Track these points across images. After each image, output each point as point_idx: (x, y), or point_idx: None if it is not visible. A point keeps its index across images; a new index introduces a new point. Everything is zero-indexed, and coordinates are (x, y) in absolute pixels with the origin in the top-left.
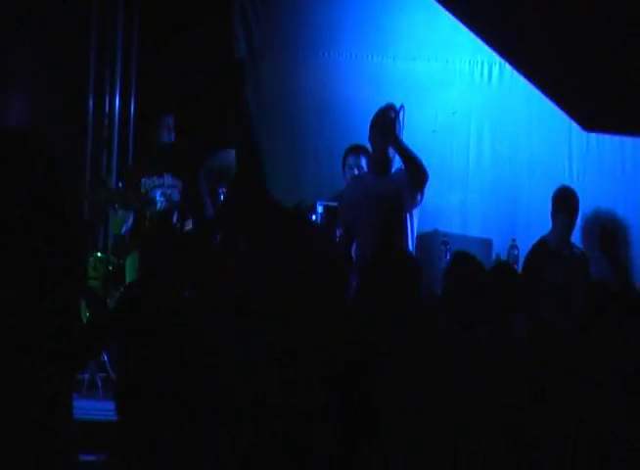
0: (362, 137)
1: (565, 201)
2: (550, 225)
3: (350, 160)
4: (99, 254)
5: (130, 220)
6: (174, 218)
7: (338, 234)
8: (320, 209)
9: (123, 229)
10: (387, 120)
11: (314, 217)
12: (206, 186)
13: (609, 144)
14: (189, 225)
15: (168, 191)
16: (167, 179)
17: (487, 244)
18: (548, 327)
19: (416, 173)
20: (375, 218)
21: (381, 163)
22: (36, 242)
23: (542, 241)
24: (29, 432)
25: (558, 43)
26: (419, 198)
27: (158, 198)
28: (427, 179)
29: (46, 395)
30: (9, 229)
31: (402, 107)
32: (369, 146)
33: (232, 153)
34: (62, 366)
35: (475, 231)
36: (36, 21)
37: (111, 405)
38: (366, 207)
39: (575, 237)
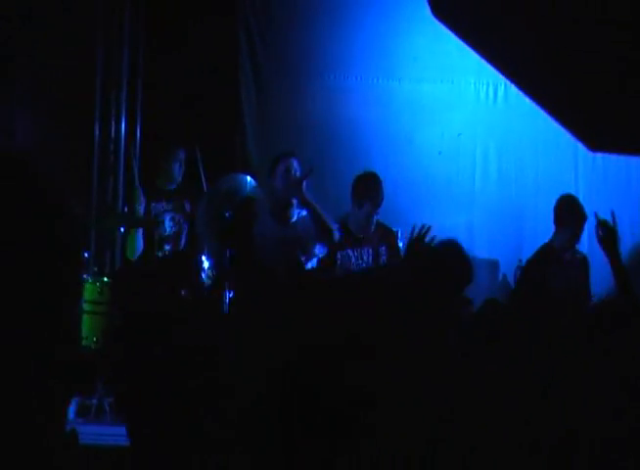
0: (368, 160)
1: (568, 211)
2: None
3: (282, 166)
4: (106, 278)
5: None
6: (182, 243)
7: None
8: None
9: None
10: (292, 177)
11: None
12: (212, 210)
13: (614, 164)
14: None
15: (177, 216)
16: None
17: (494, 265)
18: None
19: (321, 229)
20: (274, 262)
21: (282, 210)
22: (27, 262)
23: (546, 246)
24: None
25: (563, 63)
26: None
27: (167, 223)
28: (332, 235)
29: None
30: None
31: (311, 169)
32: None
33: (239, 176)
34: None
35: (481, 252)
36: (41, 45)
37: (118, 430)
38: (266, 250)
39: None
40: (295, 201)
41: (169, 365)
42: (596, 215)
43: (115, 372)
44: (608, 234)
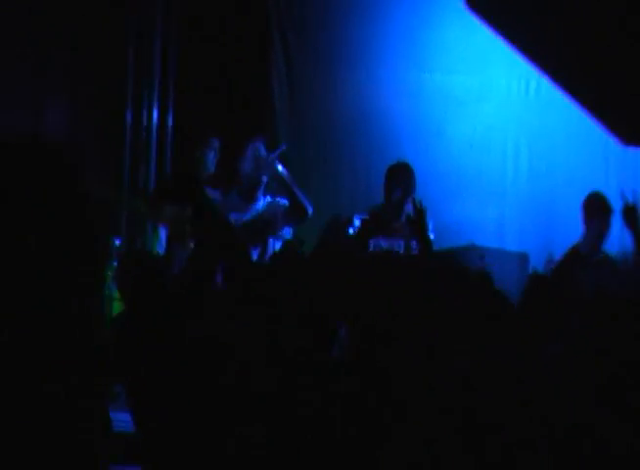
0: (399, 151)
1: (596, 207)
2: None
3: (252, 148)
4: None
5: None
6: None
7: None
8: (357, 222)
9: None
10: (264, 156)
11: (351, 231)
12: None
13: None
14: None
15: None
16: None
17: (524, 258)
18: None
19: (296, 209)
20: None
21: (251, 190)
22: (51, 250)
23: (574, 248)
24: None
25: (597, 56)
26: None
27: None
28: (306, 216)
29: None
30: (23, 239)
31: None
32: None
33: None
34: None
35: (511, 245)
36: (74, 33)
37: None
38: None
39: None
40: (263, 182)
41: (176, 355)
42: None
43: (123, 361)
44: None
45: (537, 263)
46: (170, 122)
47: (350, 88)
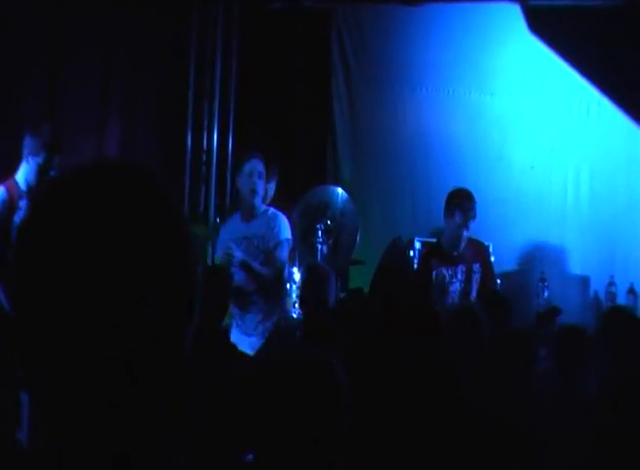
0: (459, 174)
1: None
2: None
3: (247, 167)
4: None
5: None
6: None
7: None
8: (418, 245)
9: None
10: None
11: (412, 253)
12: (305, 223)
13: None
14: None
15: None
16: None
17: (585, 281)
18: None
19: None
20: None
21: (248, 209)
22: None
23: None
24: None
25: None
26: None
27: None
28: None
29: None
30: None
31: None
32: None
33: (330, 189)
34: None
35: (573, 268)
36: (135, 57)
37: None
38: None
39: None
40: (259, 193)
41: None
42: None
43: None
44: None
45: (598, 287)
46: (230, 145)
47: (410, 111)
